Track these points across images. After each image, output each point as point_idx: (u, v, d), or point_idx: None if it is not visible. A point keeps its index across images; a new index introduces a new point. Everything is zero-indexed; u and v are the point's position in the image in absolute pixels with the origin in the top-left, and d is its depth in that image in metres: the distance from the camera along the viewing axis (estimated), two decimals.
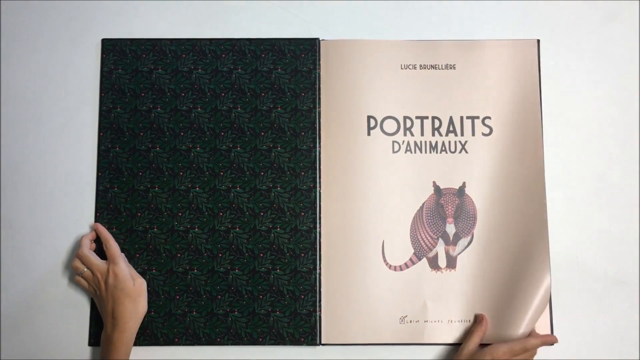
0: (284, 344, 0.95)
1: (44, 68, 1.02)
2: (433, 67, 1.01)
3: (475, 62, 1.01)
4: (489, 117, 1.00)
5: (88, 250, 0.94)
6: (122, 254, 0.95)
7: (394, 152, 0.99)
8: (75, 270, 0.93)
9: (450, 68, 1.01)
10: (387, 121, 1.00)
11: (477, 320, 0.95)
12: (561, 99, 1.01)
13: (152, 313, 0.96)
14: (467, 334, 0.94)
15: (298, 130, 0.99)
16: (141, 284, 0.93)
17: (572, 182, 1.00)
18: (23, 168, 1.00)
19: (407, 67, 1.01)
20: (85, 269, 0.93)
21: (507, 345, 0.90)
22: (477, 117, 1.00)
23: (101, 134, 1.00)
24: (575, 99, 1.02)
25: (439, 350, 0.96)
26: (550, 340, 0.93)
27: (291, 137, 0.99)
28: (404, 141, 0.99)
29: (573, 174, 1.00)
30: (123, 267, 0.92)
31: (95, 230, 0.96)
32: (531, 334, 0.94)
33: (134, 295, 0.91)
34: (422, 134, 1.00)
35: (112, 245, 0.94)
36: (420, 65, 1.01)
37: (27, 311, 0.97)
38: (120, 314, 0.90)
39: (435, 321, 0.95)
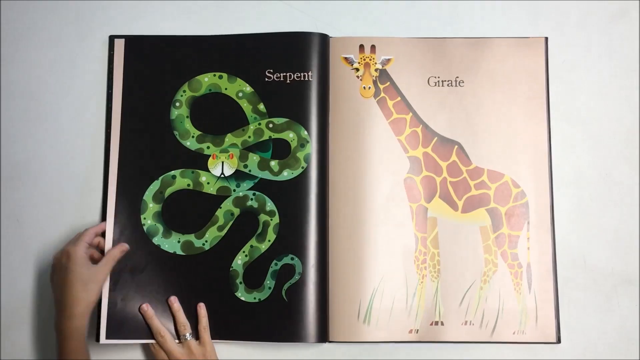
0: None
1: (51, 64, 1.02)
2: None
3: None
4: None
5: (90, 237, 0.91)
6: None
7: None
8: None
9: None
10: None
11: None
12: (569, 97, 1.01)
13: None
14: None
15: None
16: (97, 272, 0.88)
17: (579, 180, 1.00)
18: (30, 164, 0.99)
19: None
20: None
21: None
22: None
23: (108, 130, 0.99)
24: (583, 96, 1.02)
25: (450, 349, 0.96)
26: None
27: None
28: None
29: (581, 172, 1.00)
30: (79, 250, 0.87)
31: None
32: None
33: (85, 279, 0.86)
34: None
35: (89, 234, 0.91)
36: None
37: (31, 308, 0.97)
38: (67, 298, 0.85)
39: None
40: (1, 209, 0.98)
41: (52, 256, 0.90)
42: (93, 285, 0.87)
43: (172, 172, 0.98)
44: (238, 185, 0.97)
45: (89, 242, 0.91)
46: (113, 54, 1.00)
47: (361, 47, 1.01)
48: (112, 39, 1.01)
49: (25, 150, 1.00)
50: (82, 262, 0.87)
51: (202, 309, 0.93)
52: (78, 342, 0.85)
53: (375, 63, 1.01)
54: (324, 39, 1.00)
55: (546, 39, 1.02)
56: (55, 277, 0.89)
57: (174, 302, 0.94)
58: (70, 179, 0.99)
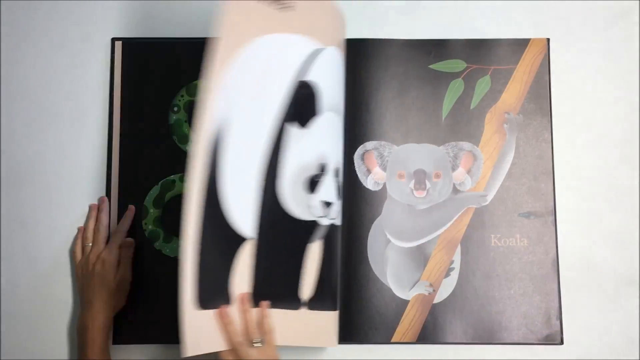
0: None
1: (54, 67, 1.02)
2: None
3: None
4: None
5: (106, 228, 0.95)
6: (130, 243, 0.95)
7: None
8: (83, 240, 0.95)
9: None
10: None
11: None
12: (571, 98, 1.01)
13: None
14: None
15: None
16: (122, 282, 0.93)
17: (582, 182, 1.00)
18: (33, 166, 1.00)
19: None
20: (91, 243, 0.94)
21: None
22: None
23: (110, 134, 0.99)
24: (585, 97, 1.02)
25: (453, 350, 0.96)
26: None
27: None
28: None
29: (583, 173, 1.00)
30: (113, 257, 0.92)
31: (127, 211, 0.97)
32: None
33: (115, 288, 0.91)
34: None
35: (119, 234, 0.95)
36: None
37: (33, 310, 0.97)
38: (97, 301, 0.89)
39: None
40: (5, 212, 0.99)
41: (91, 254, 0.93)
42: (122, 294, 0.93)
43: (172, 177, 0.98)
44: None
45: (119, 245, 0.94)
46: (114, 56, 1.01)
47: None
48: (113, 41, 1.01)
49: (29, 153, 1.00)
50: (114, 269, 0.92)
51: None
52: (104, 340, 0.89)
53: None
54: None
55: (548, 40, 1.02)
56: (87, 277, 0.92)
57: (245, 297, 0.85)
58: (75, 182, 0.99)
